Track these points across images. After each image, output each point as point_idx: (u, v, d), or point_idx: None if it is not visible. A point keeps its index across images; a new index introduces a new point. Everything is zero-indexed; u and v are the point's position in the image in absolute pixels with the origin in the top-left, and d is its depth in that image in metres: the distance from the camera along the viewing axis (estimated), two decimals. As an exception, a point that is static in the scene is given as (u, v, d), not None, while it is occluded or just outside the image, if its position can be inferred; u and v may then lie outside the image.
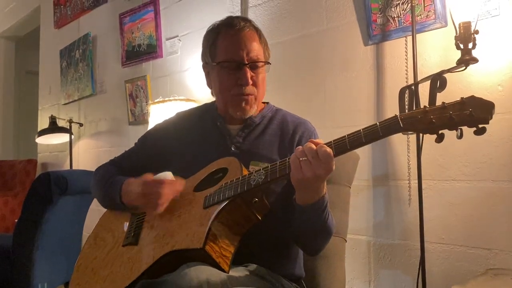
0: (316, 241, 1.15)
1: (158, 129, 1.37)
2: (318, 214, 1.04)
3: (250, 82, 1.19)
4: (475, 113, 0.82)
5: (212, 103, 1.34)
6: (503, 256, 1.47)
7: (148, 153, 1.33)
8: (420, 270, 1.57)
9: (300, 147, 0.97)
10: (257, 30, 1.24)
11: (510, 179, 1.47)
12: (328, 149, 0.93)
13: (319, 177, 0.94)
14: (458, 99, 0.85)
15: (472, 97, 0.84)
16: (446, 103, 0.86)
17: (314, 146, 0.94)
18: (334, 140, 0.95)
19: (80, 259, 1.24)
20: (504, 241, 1.47)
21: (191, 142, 1.28)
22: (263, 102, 1.32)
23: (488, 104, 0.82)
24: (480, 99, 0.83)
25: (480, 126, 0.83)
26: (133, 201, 1.17)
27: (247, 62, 1.18)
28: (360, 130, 0.92)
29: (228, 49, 1.19)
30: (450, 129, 0.85)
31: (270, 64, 1.25)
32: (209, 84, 1.30)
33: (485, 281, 1.33)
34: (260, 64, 1.21)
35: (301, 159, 0.94)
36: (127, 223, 1.22)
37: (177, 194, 1.11)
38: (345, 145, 0.93)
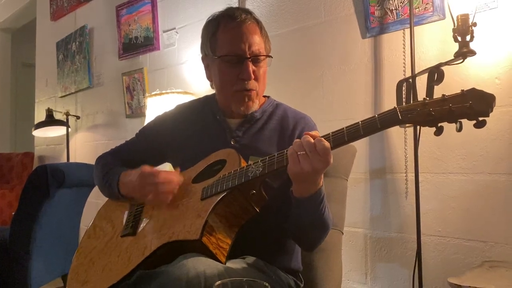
0: (312, 235, 1.13)
1: (158, 121, 1.36)
2: (314, 206, 1.04)
3: (252, 76, 1.17)
4: (475, 105, 0.80)
5: (213, 95, 1.32)
6: (499, 249, 1.48)
7: (148, 146, 1.33)
8: (417, 263, 1.58)
9: (297, 140, 0.95)
10: (258, 22, 1.21)
11: (506, 172, 1.47)
12: (327, 143, 0.92)
13: (317, 171, 0.94)
14: (459, 92, 0.83)
15: (473, 90, 0.82)
16: (446, 96, 0.84)
17: (312, 140, 0.93)
18: (332, 132, 0.94)
19: (79, 249, 1.25)
20: (500, 234, 1.48)
21: (190, 135, 1.27)
22: (264, 96, 1.31)
23: (488, 96, 0.81)
24: (481, 92, 0.81)
25: (480, 119, 0.81)
26: (130, 192, 1.18)
27: (248, 56, 1.16)
28: (358, 122, 0.91)
29: (229, 43, 1.16)
30: (450, 121, 0.83)
31: (272, 57, 1.23)
32: (209, 77, 1.27)
33: (481, 273, 1.34)
34: (262, 57, 1.19)
35: (299, 153, 0.93)
36: (127, 213, 1.22)
37: (175, 186, 1.10)
38: (343, 137, 0.92)
